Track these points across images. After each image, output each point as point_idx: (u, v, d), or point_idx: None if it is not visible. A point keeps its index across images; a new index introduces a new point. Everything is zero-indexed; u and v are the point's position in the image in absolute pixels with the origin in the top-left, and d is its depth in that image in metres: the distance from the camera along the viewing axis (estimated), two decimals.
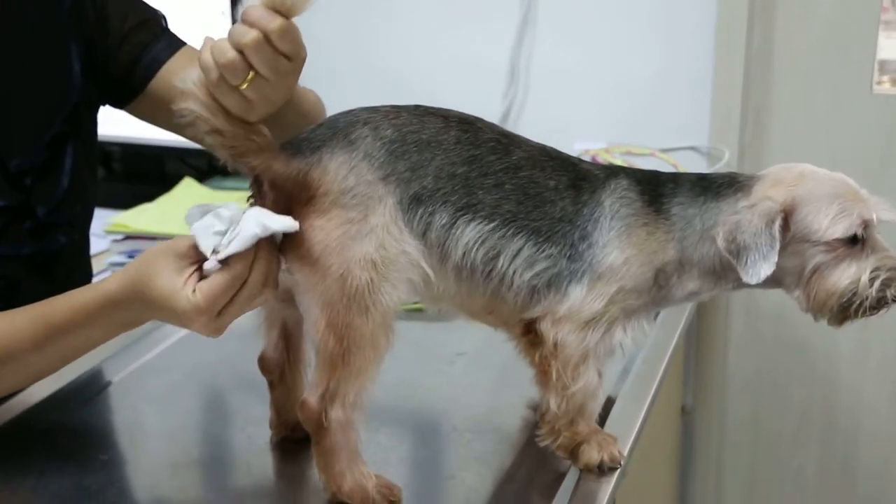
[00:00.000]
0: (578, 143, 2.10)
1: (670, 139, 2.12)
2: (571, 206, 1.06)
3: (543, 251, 1.05)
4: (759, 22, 2.09)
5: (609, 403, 1.25)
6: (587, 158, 1.98)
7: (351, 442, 1.03)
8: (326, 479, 1.04)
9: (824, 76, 2.09)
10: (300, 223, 0.99)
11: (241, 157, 0.99)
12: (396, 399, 1.26)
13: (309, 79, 2.35)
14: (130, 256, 1.97)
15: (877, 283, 1.05)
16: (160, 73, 1.30)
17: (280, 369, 1.14)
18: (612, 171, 1.10)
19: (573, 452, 1.11)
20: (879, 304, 1.06)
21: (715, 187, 1.08)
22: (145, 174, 2.37)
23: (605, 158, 1.97)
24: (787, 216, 1.05)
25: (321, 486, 1.05)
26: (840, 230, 1.04)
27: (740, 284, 1.08)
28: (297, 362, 1.14)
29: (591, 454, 1.10)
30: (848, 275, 1.05)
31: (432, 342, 1.08)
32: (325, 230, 0.99)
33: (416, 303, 1.14)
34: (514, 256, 1.05)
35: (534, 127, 2.19)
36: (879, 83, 2.07)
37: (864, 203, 1.06)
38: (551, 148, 1.11)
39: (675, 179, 1.11)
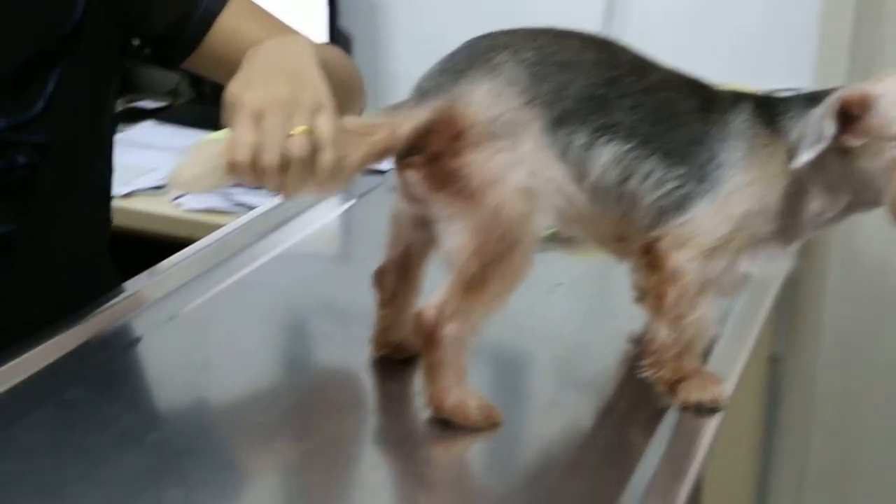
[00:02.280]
0: None
1: (775, 81, 2.05)
2: (702, 127, 1.05)
3: (674, 172, 1.04)
4: None
5: (707, 351, 1.22)
6: None
7: (460, 360, 1.02)
8: (430, 394, 1.03)
9: None
10: (453, 160, 0.99)
11: (381, 159, 1.01)
12: (495, 327, 1.23)
13: (397, 4, 2.33)
14: None
15: None
16: (214, 26, 1.26)
17: (394, 288, 1.13)
18: (739, 95, 1.08)
19: (673, 387, 1.08)
20: None
21: (823, 97, 1.04)
22: None
23: None
24: (862, 111, 1.00)
25: (422, 403, 1.04)
26: None
27: (857, 203, 1.06)
28: (412, 286, 1.13)
29: (692, 392, 1.07)
30: None
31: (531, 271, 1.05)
32: (479, 162, 0.99)
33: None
34: (646, 177, 1.03)
35: None
36: None
37: None
38: (684, 72, 1.09)
39: (788, 98, 1.09)
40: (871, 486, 2.25)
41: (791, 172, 1.04)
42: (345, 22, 2.27)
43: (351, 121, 1.02)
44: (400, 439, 1.04)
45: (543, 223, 1.02)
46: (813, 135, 1.00)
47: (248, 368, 1.17)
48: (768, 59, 2.11)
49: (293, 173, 0.98)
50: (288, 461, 1.02)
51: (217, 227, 1.56)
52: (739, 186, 1.04)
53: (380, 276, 1.13)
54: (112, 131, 1.34)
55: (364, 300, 1.10)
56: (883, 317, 2.17)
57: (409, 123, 1.00)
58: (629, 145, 1.03)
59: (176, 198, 1.93)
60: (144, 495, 0.94)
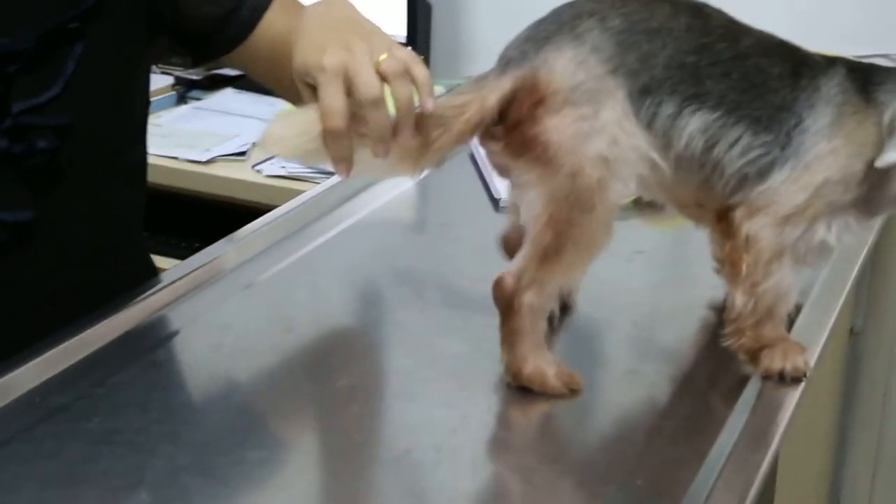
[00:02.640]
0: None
1: (861, 45, 2.01)
2: (791, 93, 1.03)
3: (760, 139, 1.02)
4: None
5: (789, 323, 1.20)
6: None
7: (538, 328, 1.03)
8: (508, 361, 1.04)
9: None
10: (533, 126, 0.99)
11: (474, 135, 1.03)
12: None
13: None
14: None
15: None
16: (262, 23, 1.24)
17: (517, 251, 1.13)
18: (832, 60, 1.06)
19: (755, 356, 1.07)
20: None
21: None
22: None
23: None
24: None
25: (501, 370, 1.04)
26: None
27: None
28: None
29: (774, 360, 1.06)
30: None
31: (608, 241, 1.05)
32: (558, 129, 0.99)
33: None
34: (732, 145, 1.02)
35: None
36: None
37: None
38: (775, 35, 1.07)
39: (887, 69, 1.07)
40: None
41: (878, 144, 1.02)
42: None
43: (441, 102, 1.02)
44: (477, 404, 1.04)
45: (623, 192, 1.01)
46: None
47: (326, 335, 1.19)
48: (860, 25, 2.07)
49: (404, 125, 1.00)
50: (364, 424, 1.03)
51: (298, 193, 1.58)
52: (822, 154, 1.02)
53: (505, 241, 1.13)
54: (145, 112, 1.29)
55: (440, 268, 1.11)
56: None
57: (494, 94, 1.00)
58: (717, 114, 1.02)
59: (257, 164, 1.95)
60: (229, 455, 0.96)
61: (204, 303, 1.23)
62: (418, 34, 2.23)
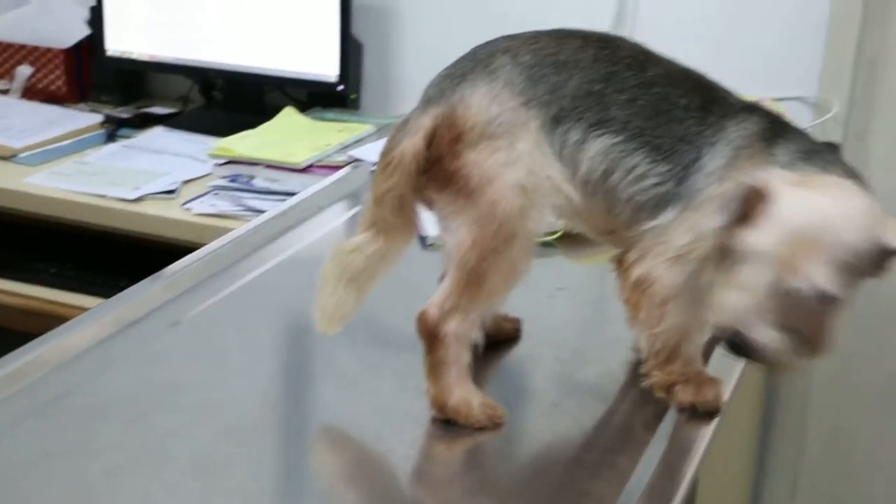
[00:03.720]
0: None
1: (778, 87, 2.07)
2: (696, 126, 1.05)
3: (657, 169, 1.05)
4: None
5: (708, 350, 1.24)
6: None
7: (463, 358, 1.05)
8: (434, 393, 1.05)
9: None
10: (454, 161, 1.03)
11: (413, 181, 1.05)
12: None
13: (409, 11, 2.34)
14: (233, 180, 1.99)
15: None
16: None
17: None
18: (750, 106, 1.08)
19: (669, 391, 1.09)
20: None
21: (815, 158, 1.03)
22: (245, 103, 2.38)
23: None
24: (755, 204, 0.97)
25: (426, 403, 1.06)
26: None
27: None
28: None
29: (687, 395, 1.08)
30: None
31: (533, 276, 1.07)
32: (477, 162, 1.02)
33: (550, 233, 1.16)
34: (629, 171, 1.05)
35: None
36: None
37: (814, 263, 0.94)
38: (695, 70, 1.10)
39: (799, 132, 1.08)
40: (863, 492, 2.26)
41: None
42: (356, 30, 2.29)
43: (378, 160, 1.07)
44: (401, 437, 1.06)
45: (540, 220, 1.04)
46: (719, 212, 1.00)
47: (252, 372, 1.19)
48: (774, 69, 2.12)
49: None
50: (290, 459, 1.04)
51: (227, 231, 1.58)
52: (712, 196, 1.03)
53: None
54: None
55: (368, 305, 1.12)
56: (878, 324, 2.18)
57: (419, 135, 1.04)
58: (619, 138, 1.04)
59: (186, 202, 1.95)
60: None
61: (132, 341, 1.23)
62: (350, 73, 2.25)
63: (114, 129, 2.31)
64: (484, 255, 1.03)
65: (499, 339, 1.22)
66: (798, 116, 1.98)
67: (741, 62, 2.13)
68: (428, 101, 1.07)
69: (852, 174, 1.04)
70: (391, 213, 1.06)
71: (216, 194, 1.96)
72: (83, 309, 1.33)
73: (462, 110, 1.04)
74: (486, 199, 1.02)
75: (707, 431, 1.08)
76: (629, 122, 1.04)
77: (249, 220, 1.67)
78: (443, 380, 1.05)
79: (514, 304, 1.22)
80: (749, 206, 0.97)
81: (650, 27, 2.18)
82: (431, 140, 1.04)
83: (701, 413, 1.09)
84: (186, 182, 2.04)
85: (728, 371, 1.18)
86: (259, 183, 1.98)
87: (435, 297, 1.05)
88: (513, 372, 1.22)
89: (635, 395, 1.13)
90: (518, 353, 1.23)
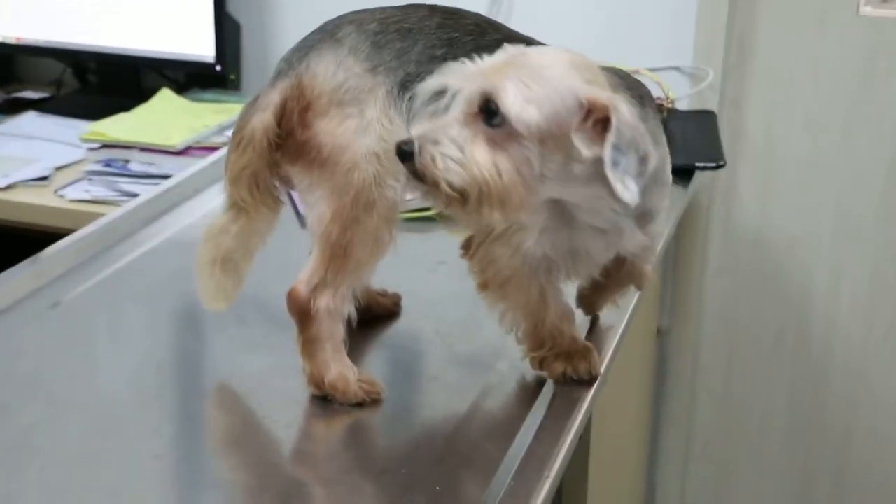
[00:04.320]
0: None
1: (655, 58, 2.10)
2: None
3: None
4: None
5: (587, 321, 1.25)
6: None
7: (336, 333, 1.04)
8: (310, 370, 1.04)
9: None
10: (305, 132, 1.02)
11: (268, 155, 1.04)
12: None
13: None
14: (108, 165, 1.95)
15: None
16: None
17: None
18: None
19: (542, 364, 1.09)
20: None
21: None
22: (120, 86, 2.33)
23: None
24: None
25: (303, 381, 1.05)
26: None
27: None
28: None
29: (556, 366, 1.08)
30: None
31: (413, 251, 1.08)
32: (328, 130, 1.02)
33: (422, 209, 1.14)
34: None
35: None
36: (865, 5, 2.06)
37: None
38: (525, 36, 1.08)
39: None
40: (752, 453, 2.32)
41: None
42: (232, 8, 2.25)
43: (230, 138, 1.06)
44: (279, 417, 1.05)
45: (397, 187, 1.02)
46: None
47: (125, 359, 1.17)
48: (651, 41, 2.15)
49: None
50: (168, 445, 1.02)
51: (102, 216, 1.55)
52: None
53: None
54: None
55: (248, 285, 1.11)
56: (760, 287, 2.23)
57: (269, 110, 1.03)
58: None
59: (59, 189, 1.90)
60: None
61: (8, 322, 1.20)
62: (227, 53, 2.21)
63: None
64: (345, 227, 1.02)
65: (378, 315, 1.21)
66: (676, 85, 2.03)
67: (619, 35, 2.15)
68: (277, 75, 1.06)
69: None
70: (248, 192, 1.05)
71: (90, 180, 1.91)
72: None
73: (309, 79, 1.03)
74: (340, 167, 1.02)
75: (587, 395, 1.09)
76: None
77: (123, 205, 1.63)
78: (318, 356, 1.04)
79: (395, 278, 1.22)
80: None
81: (529, 4, 2.20)
82: (282, 114, 1.03)
83: (575, 381, 1.09)
84: (59, 168, 1.98)
85: (608, 341, 1.20)
86: (135, 167, 1.94)
87: (302, 273, 1.04)
88: (393, 347, 1.22)
89: (515, 366, 1.13)
90: (398, 328, 1.23)
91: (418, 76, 1.03)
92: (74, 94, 2.40)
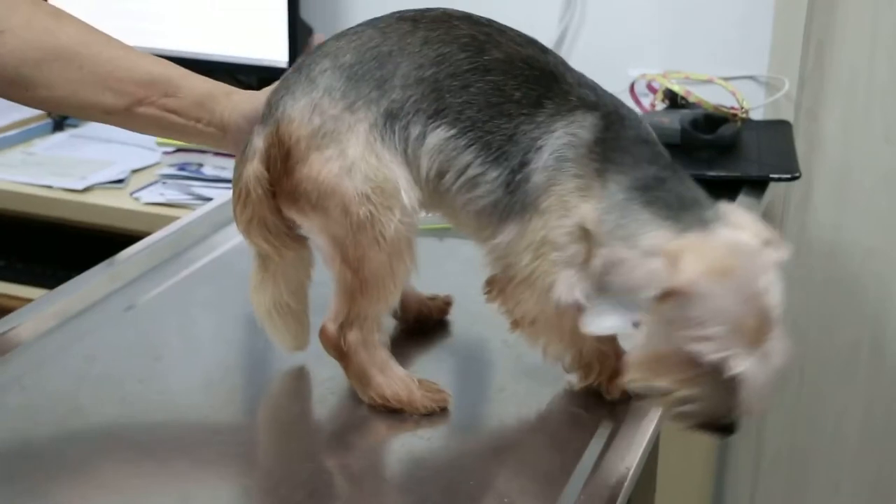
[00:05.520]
0: (634, 69, 2.06)
1: (729, 67, 2.07)
2: (525, 124, 0.97)
3: (486, 174, 0.98)
4: None
5: None
6: (643, 83, 1.96)
7: (379, 357, 1.02)
8: (369, 396, 1.03)
9: (890, 8, 2.03)
10: (290, 180, 0.98)
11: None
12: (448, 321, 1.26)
13: None
14: (182, 168, 1.97)
15: (686, 408, 0.94)
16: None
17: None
18: (590, 103, 0.98)
19: (608, 387, 1.06)
20: (673, 419, 0.98)
21: (655, 195, 0.95)
22: None
23: (661, 83, 1.93)
24: (671, 297, 0.90)
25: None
26: (696, 348, 0.90)
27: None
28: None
29: (613, 388, 1.05)
30: (673, 380, 0.94)
31: (481, 260, 1.06)
32: (310, 177, 0.97)
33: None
34: (461, 173, 0.99)
35: (589, 51, 2.16)
36: None
37: (748, 345, 0.90)
38: (545, 56, 1.00)
39: (638, 160, 0.97)
40: (824, 469, 2.28)
41: (583, 218, 0.96)
42: (305, 13, 2.27)
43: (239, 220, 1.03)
44: (347, 426, 1.05)
45: (395, 220, 0.98)
46: (623, 307, 0.95)
47: (202, 359, 1.18)
48: (726, 49, 2.13)
49: None
50: (231, 456, 1.02)
51: (176, 220, 1.57)
52: (538, 211, 0.97)
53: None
54: None
55: (319, 289, 1.11)
56: (835, 300, 2.20)
57: (257, 159, 1.00)
58: (452, 131, 0.97)
59: (135, 191, 1.94)
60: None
61: (83, 325, 1.22)
62: (300, 57, 2.23)
63: (60, 119, 2.28)
64: (356, 267, 0.99)
65: (428, 319, 1.20)
66: (750, 95, 2.00)
67: (694, 42, 2.13)
68: (262, 119, 1.02)
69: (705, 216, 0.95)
70: (264, 241, 1.03)
71: (164, 183, 1.94)
72: (31, 301, 1.31)
73: (285, 126, 0.98)
74: (331, 212, 0.98)
75: (653, 417, 1.07)
76: (462, 111, 0.97)
77: (199, 208, 1.65)
78: (371, 383, 1.02)
79: (462, 287, 1.22)
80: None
81: (601, 11, 2.18)
82: (268, 161, 0.99)
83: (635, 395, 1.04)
84: (135, 171, 2.02)
85: None
86: (208, 171, 1.97)
87: (329, 312, 1.03)
88: (461, 357, 1.21)
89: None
90: (468, 336, 1.23)
91: (407, 102, 0.97)
92: None
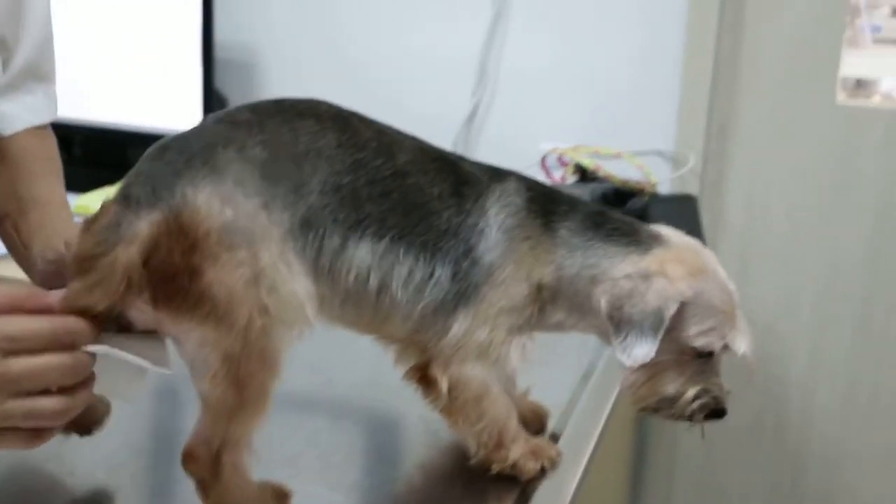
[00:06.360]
0: (545, 143, 2.10)
1: (637, 142, 2.13)
2: (456, 217, 0.98)
3: (433, 273, 0.97)
4: (727, 33, 2.11)
5: (573, 406, 1.25)
6: (554, 157, 2.00)
7: (246, 481, 0.94)
8: None
9: (789, 88, 2.12)
10: (196, 281, 0.85)
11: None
12: (363, 387, 1.27)
13: (273, 66, 2.35)
14: None
15: (697, 403, 1.02)
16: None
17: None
18: (498, 175, 1.02)
19: (514, 470, 1.05)
20: (689, 418, 1.03)
21: (608, 228, 1.01)
22: (106, 159, 2.34)
23: (572, 158, 1.98)
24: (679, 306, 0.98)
25: None
26: (703, 343, 1.00)
27: (605, 335, 1.01)
28: None
29: (529, 466, 1.05)
30: (679, 384, 1.02)
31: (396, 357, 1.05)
32: (221, 281, 0.86)
33: None
34: (406, 281, 0.96)
35: (501, 125, 2.20)
36: (842, 97, 2.10)
37: (735, 328, 1.01)
38: (428, 145, 1.01)
39: (572, 203, 1.03)
40: None
41: (547, 274, 1.00)
42: (219, 84, 2.28)
43: (71, 289, 0.85)
44: None
45: (286, 337, 0.90)
46: (649, 329, 0.97)
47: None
48: (633, 124, 2.19)
49: None
50: None
51: None
52: (495, 284, 0.98)
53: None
54: None
55: None
56: (739, 372, 2.24)
57: (135, 246, 0.85)
58: (383, 242, 0.94)
59: None
60: None
61: None
62: None
63: None
64: (242, 386, 0.88)
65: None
66: (657, 169, 2.05)
67: (604, 117, 2.19)
68: (137, 200, 0.86)
69: (657, 233, 1.04)
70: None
71: None
72: None
73: (190, 215, 0.85)
74: (237, 325, 0.86)
75: (571, 484, 1.08)
76: (386, 219, 0.94)
77: None
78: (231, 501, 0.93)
79: (380, 360, 1.21)
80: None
81: (513, 86, 2.23)
82: (151, 253, 0.85)
83: (547, 471, 1.06)
84: None
85: (590, 427, 1.21)
86: None
87: (196, 433, 0.92)
88: (378, 430, 1.21)
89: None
90: (383, 411, 1.22)
91: (323, 209, 0.91)
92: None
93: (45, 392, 0.84)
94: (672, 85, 2.14)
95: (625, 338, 0.98)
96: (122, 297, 0.85)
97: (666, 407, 1.03)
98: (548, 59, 2.20)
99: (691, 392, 1.02)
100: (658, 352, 0.98)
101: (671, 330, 0.98)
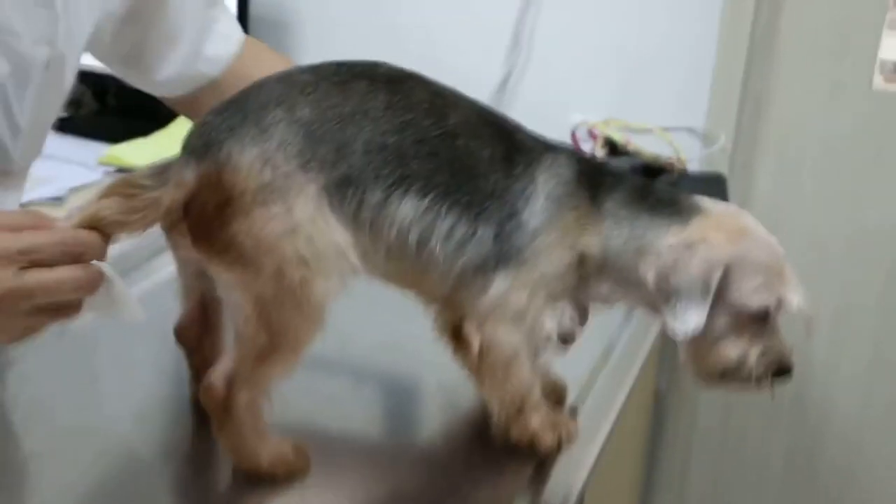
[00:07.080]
0: (576, 114, 2.09)
1: (668, 118, 2.12)
2: (503, 180, 0.99)
3: (474, 233, 0.98)
4: (765, 10, 2.09)
5: (592, 382, 1.26)
6: (584, 130, 1.99)
7: (259, 424, 0.98)
8: (238, 461, 0.99)
9: (825, 69, 2.10)
10: (223, 230, 0.91)
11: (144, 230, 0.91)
12: (384, 351, 1.27)
13: (309, 28, 2.34)
14: None
15: (762, 363, 1.03)
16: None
17: (198, 338, 1.07)
18: (551, 146, 1.04)
19: (531, 442, 1.07)
20: (757, 382, 1.04)
21: (652, 200, 1.03)
22: (140, 110, 2.34)
23: (602, 131, 1.97)
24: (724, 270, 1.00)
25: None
26: (756, 302, 1.01)
27: (653, 307, 1.03)
28: (216, 329, 1.07)
29: (546, 437, 1.07)
30: (740, 348, 1.02)
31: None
32: (251, 232, 0.91)
33: None
34: (446, 238, 0.98)
35: (532, 95, 2.19)
36: (879, 81, 2.08)
37: (786, 283, 1.02)
38: (488, 111, 1.04)
39: (617, 175, 1.05)
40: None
41: (593, 245, 1.02)
42: (255, 37, 2.27)
43: (111, 206, 0.89)
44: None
45: (327, 288, 0.94)
46: (697, 297, 0.98)
47: (136, 387, 1.18)
48: (664, 96, 2.17)
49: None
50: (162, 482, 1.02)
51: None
52: (538, 250, 1.00)
53: (180, 332, 1.08)
54: None
55: None
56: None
57: (180, 191, 0.91)
58: (426, 199, 0.96)
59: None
60: None
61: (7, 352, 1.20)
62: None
63: None
64: (273, 331, 0.94)
65: None
66: (687, 146, 2.05)
67: (636, 91, 2.17)
68: (192, 151, 0.93)
69: (697, 201, 1.04)
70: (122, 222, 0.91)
71: None
72: None
73: (230, 174, 0.91)
74: (264, 272, 0.92)
75: (590, 457, 1.09)
76: (432, 177, 0.96)
77: None
78: (243, 448, 0.98)
79: (399, 325, 1.22)
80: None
81: (546, 56, 2.22)
82: (195, 201, 0.92)
83: (566, 446, 1.08)
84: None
85: (610, 401, 1.22)
86: None
87: (220, 367, 0.97)
88: (399, 396, 1.22)
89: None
90: (404, 376, 1.23)
91: (367, 167, 0.94)
92: (93, 115, 2.42)
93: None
94: (706, 62, 2.12)
95: (675, 308, 0.99)
96: (148, 227, 0.91)
97: (731, 374, 1.03)
98: (581, 29, 2.18)
99: (754, 353, 1.03)
100: (713, 320, 1.00)
101: (722, 295, 1.00)
